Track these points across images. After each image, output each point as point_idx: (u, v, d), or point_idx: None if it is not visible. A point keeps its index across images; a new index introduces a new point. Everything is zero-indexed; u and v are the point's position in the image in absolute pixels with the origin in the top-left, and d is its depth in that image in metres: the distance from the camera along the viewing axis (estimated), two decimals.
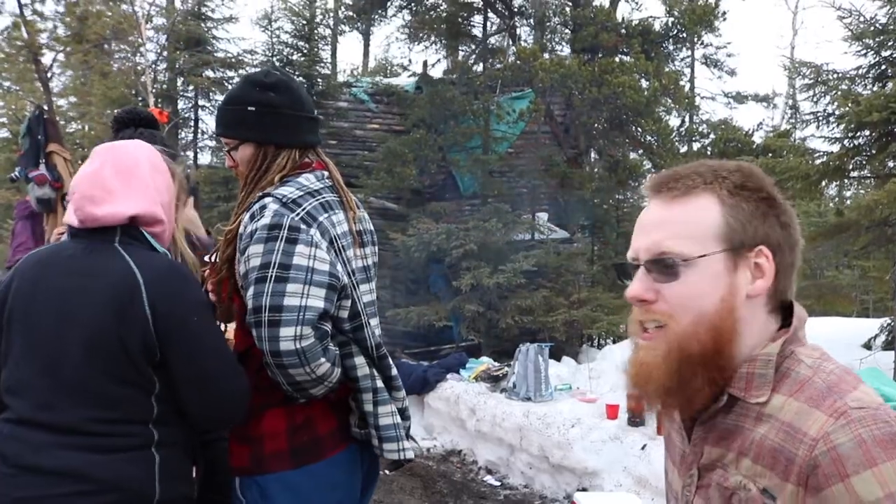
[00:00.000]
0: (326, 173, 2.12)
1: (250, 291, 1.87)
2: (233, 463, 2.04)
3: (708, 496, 1.13)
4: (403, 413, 2.18)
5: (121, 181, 1.81)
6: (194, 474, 1.94)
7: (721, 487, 1.10)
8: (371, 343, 2.06)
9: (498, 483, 5.68)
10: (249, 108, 2.07)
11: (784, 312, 1.16)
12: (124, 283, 1.71)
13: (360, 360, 2.04)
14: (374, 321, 2.17)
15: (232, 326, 2.16)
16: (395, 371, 2.17)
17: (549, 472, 5.42)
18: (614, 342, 8.36)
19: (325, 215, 2.01)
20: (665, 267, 1.10)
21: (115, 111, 2.85)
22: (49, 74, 12.93)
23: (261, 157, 2.08)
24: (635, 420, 5.18)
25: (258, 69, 10.57)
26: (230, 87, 11.42)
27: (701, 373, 1.08)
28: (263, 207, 1.92)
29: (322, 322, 1.89)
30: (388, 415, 2.07)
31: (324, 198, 2.05)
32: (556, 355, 7.34)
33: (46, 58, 13.08)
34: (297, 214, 1.93)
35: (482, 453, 6.09)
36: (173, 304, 1.74)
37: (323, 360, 1.89)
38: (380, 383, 2.07)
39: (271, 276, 1.85)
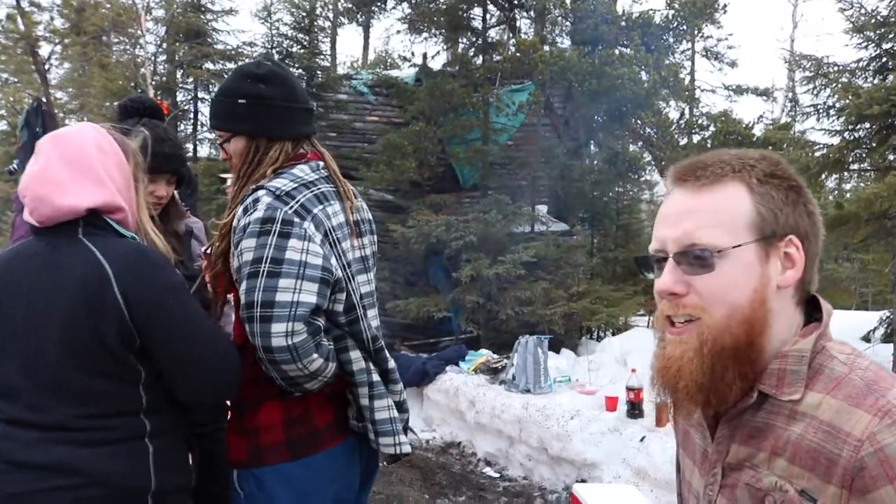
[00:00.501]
0: (322, 163, 2.10)
1: (243, 286, 1.86)
2: (230, 456, 2.04)
3: (734, 497, 1.10)
4: (401, 406, 2.17)
5: (70, 173, 1.75)
6: (190, 461, 1.93)
7: (752, 488, 1.07)
8: (367, 336, 2.05)
9: (497, 475, 5.69)
10: (241, 101, 2.05)
11: (806, 306, 1.13)
12: (93, 275, 1.67)
13: (355, 354, 2.03)
14: (372, 312, 2.16)
15: None
16: (392, 364, 2.15)
17: (548, 464, 5.43)
18: (613, 334, 8.36)
19: (320, 207, 1.99)
20: (697, 259, 1.06)
21: (119, 101, 2.75)
22: (46, 66, 12.90)
23: (253, 149, 2.06)
24: (634, 412, 5.19)
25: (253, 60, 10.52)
26: None
27: (733, 367, 1.05)
28: (256, 201, 1.91)
29: (315, 317, 1.88)
30: (385, 409, 2.07)
31: (319, 189, 2.02)
32: (555, 348, 7.35)
33: (44, 49, 13.06)
34: (291, 207, 1.91)
35: (481, 445, 6.10)
36: (146, 291, 1.70)
37: (315, 355, 1.88)
38: (376, 377, 2.06)
39: (263, 270, 1.84)
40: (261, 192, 1.93)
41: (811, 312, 1.13)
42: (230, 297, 2.10)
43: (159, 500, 1.73)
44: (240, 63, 10.97)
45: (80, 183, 1.74)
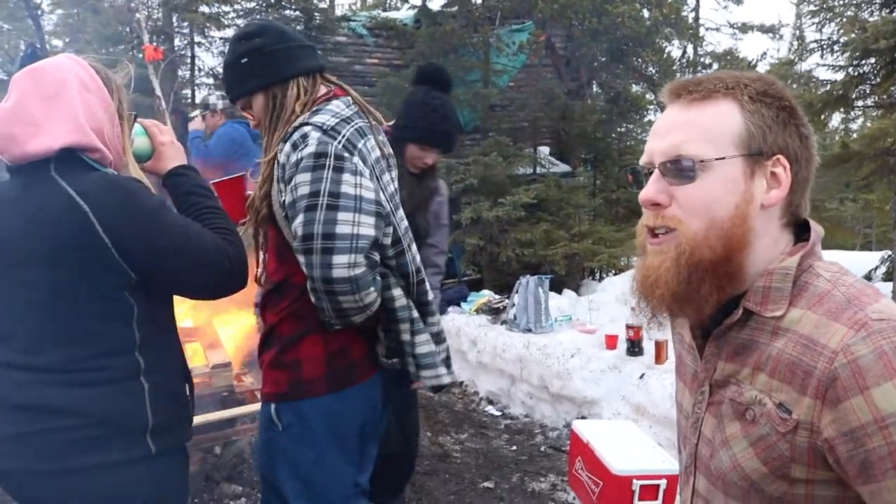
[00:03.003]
0: (350, 99, 2.13)
1: (300, 219, 1.90)
2: (267, 389, 2.11)
3: (720, 413, 1.12)
4: (439, 337, 2.26)
5: (45, 110, 1.64)
6: (188, 392, 1.92)
7: (735, 403, 1.09)
8: (412, 268, 2.14)
9: (499, 413, 5.77)
10: (243, 62, 2.09)
11: (797, 230, 1.14)
12: (72, 218, 1.59)
13: (398, 292, 2.09)
14: (413, 245, 2.24)
15: None
16: (430, 296, 2.25)
17: (548, 402, 5.50)
18: (615, 275, 8.39)
19: (362, 142, 2.04)
20: (681, 170, 1.07)
21: (420, 64, 2.88)
22: (39, 12, 12.69)
23: (271, 99, 2.09)
24: (634, 350, 5.24)
25: (252, 6, 10.37)
26: (225, 22, 11.25)
27: (710, 280, 1.06)
28: (305, 136, 1.94)
29: (372, 251, 1.95)
30: (426, 342, 2.16)
31: (357, 124, 2.06)
32: (556, 288, 7.38)
33: None
34: (339, 142, 1.95)
35: (483, 384, 6.17)
36: (127, 224, 1.62)
37: (372, 288, 1.95)
38: (415, 313, 2.14)
39: (322, 203, 1.88)
40: (307, 128, 1.95)
41: (801, 236, 1.13)
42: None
43: (158, 436, 1.73)
44: (237, 6, 10.80)
45: (56, 122, 1.64)
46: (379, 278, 2.01)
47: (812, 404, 0.98)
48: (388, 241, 2.07)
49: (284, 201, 1.97)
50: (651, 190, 1.10)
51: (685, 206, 1.07)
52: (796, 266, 1.07)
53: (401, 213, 2.20)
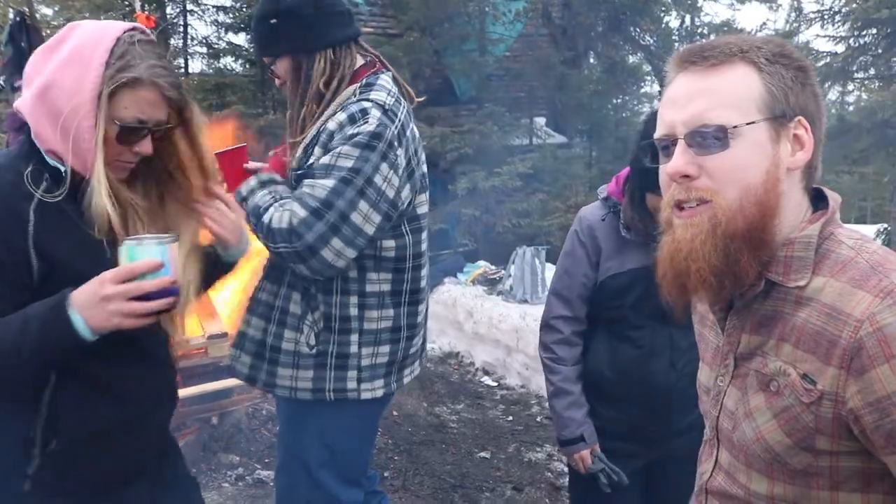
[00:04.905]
0: (392, 74, 2.11)
1: (329, 183, 1.88)
2: None
3: (745, 385, 1.11)
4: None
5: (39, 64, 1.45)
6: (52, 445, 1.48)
7: (759, 374, 1.08)
8: (420, 249, 2.19)
9: (495, 384, 5.78)
10: (272, 22, 2.04)
11: (812, 197, 1.12)
12: None
13: (385, 276, 2.12)
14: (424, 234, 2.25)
15: None
16: (423, 283, 2.27)
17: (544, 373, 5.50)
18: None
19: (410, 126, 2.06)
20: (712, 138, 1.03)
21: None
22: None
23: (296, 67, 2.05)
24: None
25: None
26: None
27: (747, 250, 1.03)
28: (365, 112, 1.92)
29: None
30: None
31: (405, 105, 2.06)
32: (552, 259, 7.35)
33: None
34: (396, 127, 1.95)
35: (479, 355, 6.17)
36: None
37: (319, 276, 1.97)
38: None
39: (356, 183, 1.88)
40: (367, 105, 1.94)
41: (817, 203, 1.12)
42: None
43: None
44: None
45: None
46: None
47: (837, 374, 0.97)
48: (423, 209, 2.13)
49: (311, 163, 1.95)
50: (679, 162, 1.05)
51: (717, 175, 1.04)
52: (818, 234, 1.05)
53: (425, 195, 2.20)
